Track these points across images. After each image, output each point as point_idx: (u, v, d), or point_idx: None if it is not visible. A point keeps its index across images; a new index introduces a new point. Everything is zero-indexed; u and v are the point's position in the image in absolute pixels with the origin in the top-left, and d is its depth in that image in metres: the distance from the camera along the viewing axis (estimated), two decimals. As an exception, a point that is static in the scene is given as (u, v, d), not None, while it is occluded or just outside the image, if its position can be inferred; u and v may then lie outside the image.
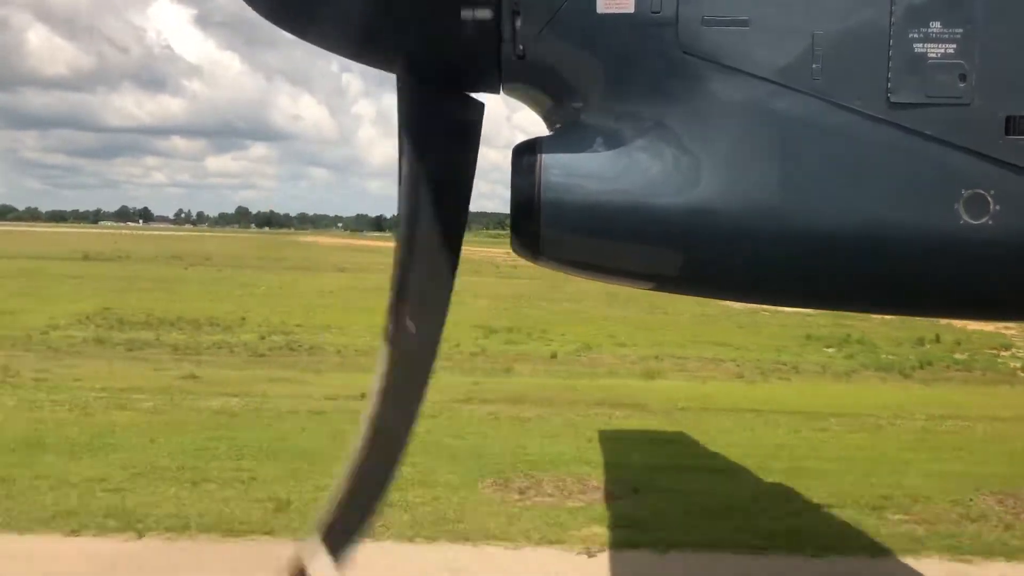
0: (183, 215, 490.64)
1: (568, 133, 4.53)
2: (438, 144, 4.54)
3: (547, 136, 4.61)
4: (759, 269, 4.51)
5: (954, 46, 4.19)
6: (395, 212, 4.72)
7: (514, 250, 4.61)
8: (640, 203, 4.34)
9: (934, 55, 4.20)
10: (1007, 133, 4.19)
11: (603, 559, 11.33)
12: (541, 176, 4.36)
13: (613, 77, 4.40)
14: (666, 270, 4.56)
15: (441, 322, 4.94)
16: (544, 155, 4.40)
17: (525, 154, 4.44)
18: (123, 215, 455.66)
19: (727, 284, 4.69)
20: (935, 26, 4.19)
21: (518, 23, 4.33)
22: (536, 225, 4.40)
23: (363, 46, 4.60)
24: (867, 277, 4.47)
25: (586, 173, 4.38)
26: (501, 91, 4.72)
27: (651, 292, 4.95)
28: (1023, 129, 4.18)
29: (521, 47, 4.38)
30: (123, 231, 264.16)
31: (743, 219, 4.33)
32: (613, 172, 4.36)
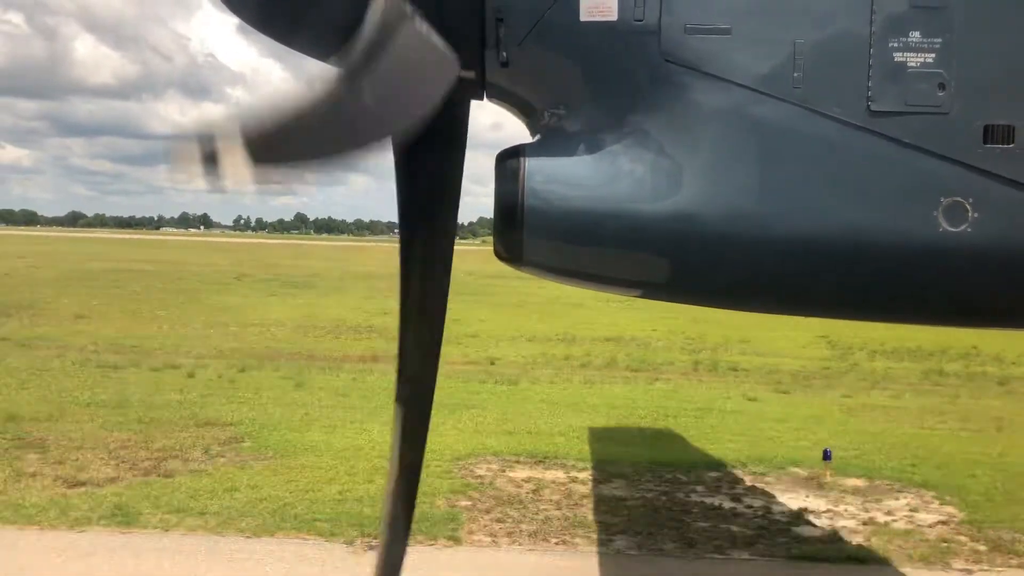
0: (242, 221, 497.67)
1: (552, 140, 4.58)
2: (425, 148, 4.62)
3: (531, 143, 4.66)
4: (741, 276, 4.53)
5: (933, 55, 4.20)
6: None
7: (497, 255, 4.67)
8: (622, 210, 4.38)
9: (914, 64, 4.22)
10: (985, 142, 4.20)
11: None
12: (524, 182, 4.42)
13: (596, 84, 4.46)
14: (648, 277, 4.60)
15: (441, 321, 5.21)
16: (528, 161, 4.46)
17: (509, 160, 4.50)
18: (184, 221, 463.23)
19: (709, 291, 4.71)
20: (915, 36, 4.21)
21: (501, 30, 4.40)
22: (519, 231, 4.46)
23: (341, 52, 4.70)
24: (848, 284, 4.49)
25: (569, 179, 4.44)
26: (485, 98, 4.80)
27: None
28: (1001, 137, 4.19)
29: (504, 54, 4.45)
30: (198, 238, 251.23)
31: (725, 226, 4.36)
32: (596, 179, 4.41)
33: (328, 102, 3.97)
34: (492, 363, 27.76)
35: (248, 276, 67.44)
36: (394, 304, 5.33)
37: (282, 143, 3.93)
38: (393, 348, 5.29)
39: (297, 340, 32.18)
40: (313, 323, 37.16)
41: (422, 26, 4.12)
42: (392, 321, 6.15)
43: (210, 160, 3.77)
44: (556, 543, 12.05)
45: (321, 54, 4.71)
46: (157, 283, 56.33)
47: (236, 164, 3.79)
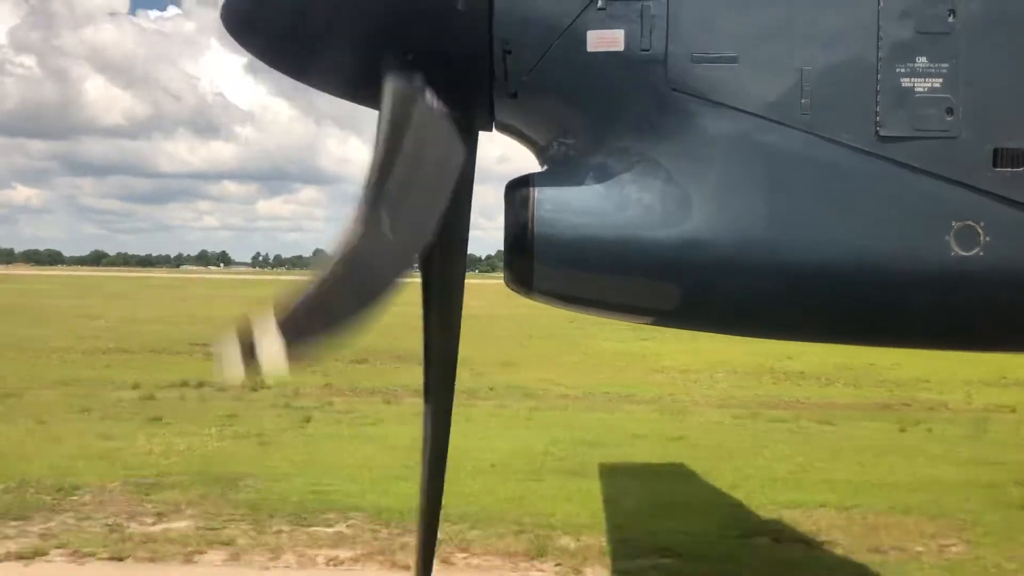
0: (260, 258, 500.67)
1: (560, 169, 4.61)
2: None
3: (540, 172, 4.69)
4: (751, 302, 4.52)
5: (940, 80, 4.21)
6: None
7: (507, 284, 4.69)
8: (632, 238, 4.40)
9: (921, 89, 4.23)
10: (995, 165, 4.19)
11: None
12: (534, 211, 4.45)
13: (604, 114, 4.49)
14: (658, 304, 4.60)
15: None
16: (537, 190, 4.48)
17: (518, 189, 4.53)
18: (203, 259, 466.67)
19: (719, 317, 4.71)
20: (921, 61, 4.22)
21: (509, 63, 4.45)
22: (529, 259, 4.48)
23: (356, 87, 4.77)
24: (860, 310, 4.47)
25: (578, 208, 4.46)
26: (494, 129, 4.84)
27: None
28: (1011, 161, 4.18)
29: (513, 86, 4.50)
30: (217, 276, 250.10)
31: (734, 253, 4.36)
32: (605, 207, 4.43)
33: (352, 250, 4.10)
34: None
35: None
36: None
37: (315, 316, 4.10)
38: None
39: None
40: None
41: (431, 113, 4.37)
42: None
43: (250, 356, 3.92)
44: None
45: (332, 88, 4.78)
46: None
47: (273, 354, 3.93)
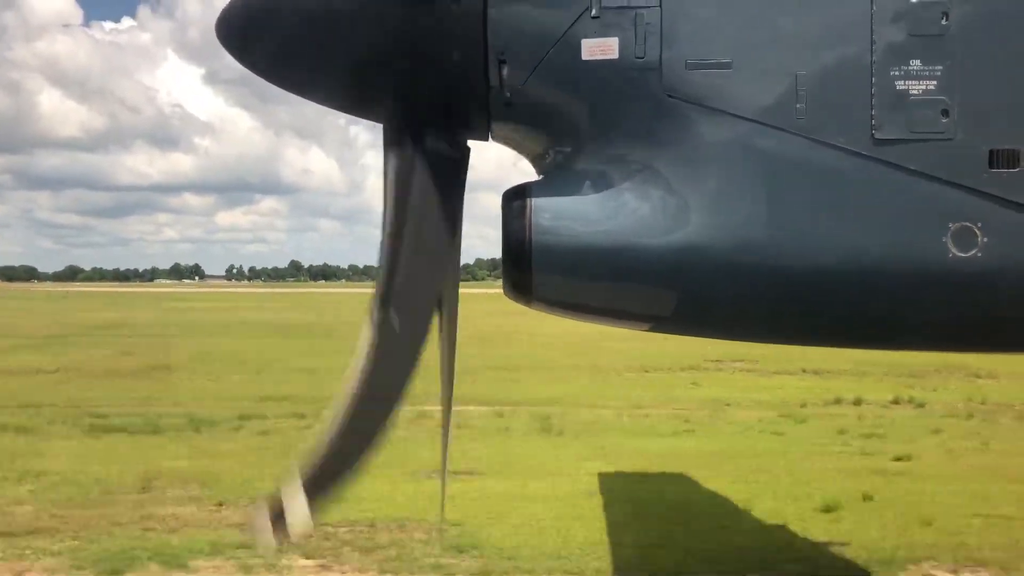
0: (234, 271, 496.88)
1: (557, 177, 4.61)
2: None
3: (536, 181, 4.69)
4: (750, 307, 4.53)
5: (935, 83, 4.23)
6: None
7: (506, 293, 4.67)
8: (629, 245, 4.39)
9: (916, 92, 4.25)
10: (991, 166, 4.22)
11: None
12: (532, 220, 4.44)
13: (600, 122, 4.48)
14: (657, 311, 4.59)
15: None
16: (534, 199, 4.47)
17: (515, 199, 4.52)
18: (176, 272, 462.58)
19: (717, 323, 4.72)
20: (916, 63, 4.24)
21: (504, 71, 4.44)
22: (528, 268, 4.47)
23: (351, 99, 4.75)
24: (858, 313, 4.49)
25: (576, 216, 4.45)
26: (490, 138, 4.83)
27: None
28: (1006, 162, 4.21)
29: (508, 94, 4.49)
30: (199, 289, 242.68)
31: (732, 258, 4.37)
32: (602, 215, 4.42)
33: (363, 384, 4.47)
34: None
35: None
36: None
37: (336, 463, 4.51)
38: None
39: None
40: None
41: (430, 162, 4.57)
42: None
43: (280, 521, 4.31)
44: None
45: (325, 99, 4.76)
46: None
47: (301, 516, 4.33)
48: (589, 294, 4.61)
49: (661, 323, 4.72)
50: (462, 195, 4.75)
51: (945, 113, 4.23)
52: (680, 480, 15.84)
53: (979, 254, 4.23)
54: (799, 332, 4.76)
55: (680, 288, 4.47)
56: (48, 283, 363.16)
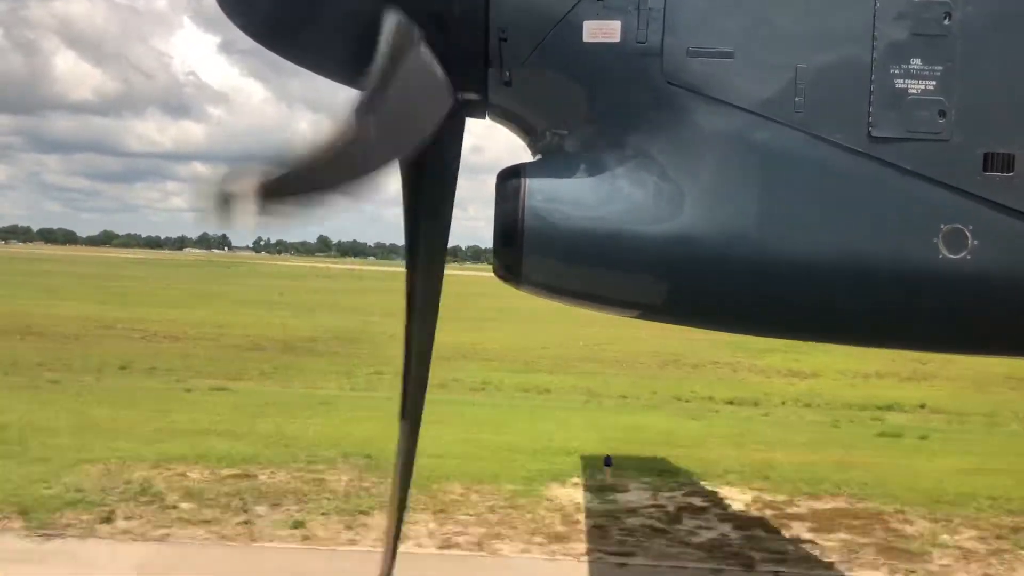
0: (262, 243, 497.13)
1: (552, 160, 4.61)
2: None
3: (531, 162, 4.69)
4: (739, 299, 4.52)
5: (934, 83, 4.21)
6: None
7: (496, 274, 4.68)
8: (623, 230, 4.39)
9: (914, 91, 4.22)
10: (985, 169, 4.19)
11: None
12: (525, 202, 4.44)
13: (598, 105, 4.48)
14: (647, 298, 4.59)
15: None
16: (528, 181, 4.47)
17: (509, 179, 4.52)
18: (204, 242, 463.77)
19: (707, 313, 4.71)
20: (916, 63, 4.22)
21: (504, 50, 4.44)
22: (519, 250, 4.47)
23: (350, 69, 4.76)
24: (847, 309, 4.47)
25: (569, 200, 4.45)
26: (487, 116, 4.84)
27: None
28: (1001, 165, 4.17)
29: (507, 73, 4.49)
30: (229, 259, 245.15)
31: (723, 249, 4.36)
32: (596, 199, 4.42)
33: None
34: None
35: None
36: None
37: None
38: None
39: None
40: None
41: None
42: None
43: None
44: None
45: (324, 70, 4.77)
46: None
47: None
48: (579, 279, 4.60)
49: (650, 311, 4.72)
50: (455, 173, 4.79)
51: (942, 114, 4.20)
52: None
53: (968, 257, 4.20)
54: (784, 326, 4.75)
55: (670, 276, 4.47)
56: (82, 247, 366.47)
